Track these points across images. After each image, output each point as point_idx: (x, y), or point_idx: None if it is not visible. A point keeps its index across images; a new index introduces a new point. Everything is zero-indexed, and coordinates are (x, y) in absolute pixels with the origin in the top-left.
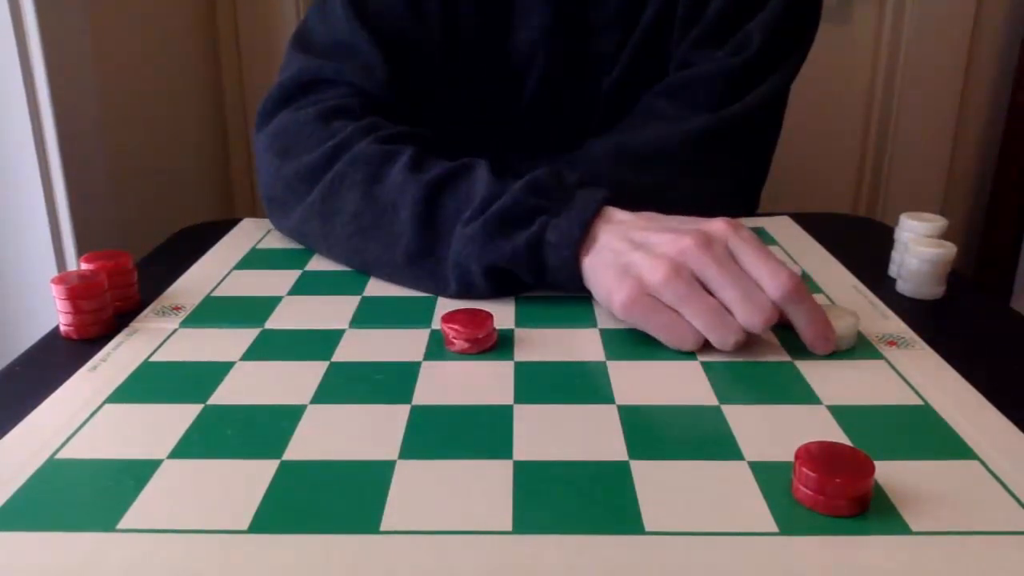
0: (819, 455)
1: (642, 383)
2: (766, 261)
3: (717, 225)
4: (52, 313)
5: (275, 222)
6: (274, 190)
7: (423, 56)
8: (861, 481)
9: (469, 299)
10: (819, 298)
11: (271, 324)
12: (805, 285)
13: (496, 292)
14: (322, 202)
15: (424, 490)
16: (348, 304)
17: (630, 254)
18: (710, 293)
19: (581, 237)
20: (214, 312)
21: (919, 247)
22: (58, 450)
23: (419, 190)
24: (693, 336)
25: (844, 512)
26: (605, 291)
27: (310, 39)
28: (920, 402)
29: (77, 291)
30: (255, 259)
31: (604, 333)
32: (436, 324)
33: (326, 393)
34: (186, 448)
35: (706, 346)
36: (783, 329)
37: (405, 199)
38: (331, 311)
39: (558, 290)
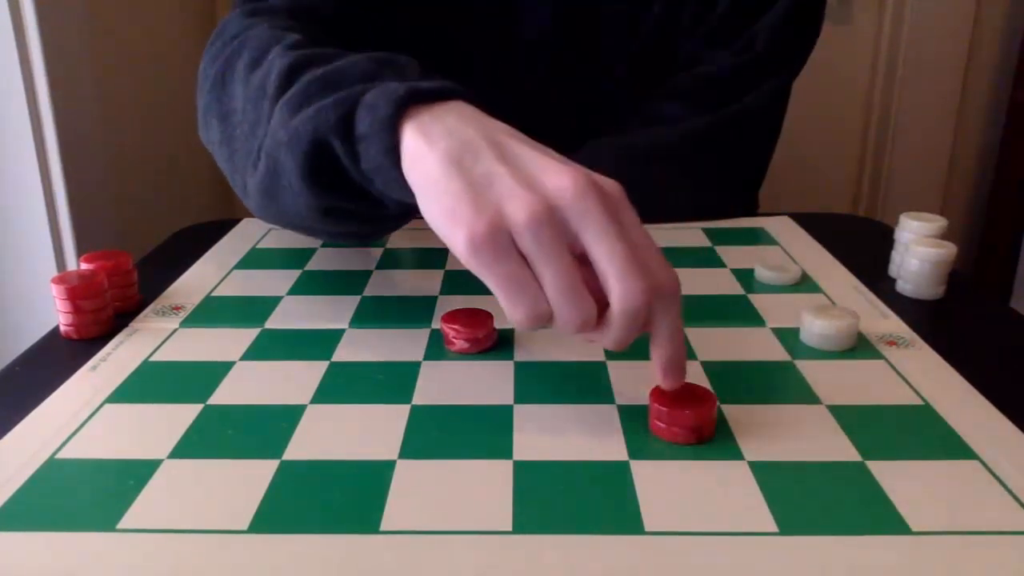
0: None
1: (642, 383)
2: (658, 249)
3: (610, 181)
4: (52, 313)
5: (206, 143)
6: (198, 104)
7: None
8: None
9: (274, 201)
10: (819, 298)
11: (271, 324)
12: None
13: (307, 187)
14: (219, 103)
15: (424, 490)
16: (348, 304)
17: (494, 163)
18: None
19: (408, 100)
20: (214, 312)
21: (919, 247)
22: (58, 450)
23: (284, 64)
24: (536, 302)
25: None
26: (449, 208)
27: None
28: (920, 402)
29: (77, 291)
30: (255, 259)
31: None
32: (436, 324)
33: (326, 393)
34: (186, 448)
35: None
36: (783, 329)
37: (270, 77)
38: (331, 311)
39: (375, 186)
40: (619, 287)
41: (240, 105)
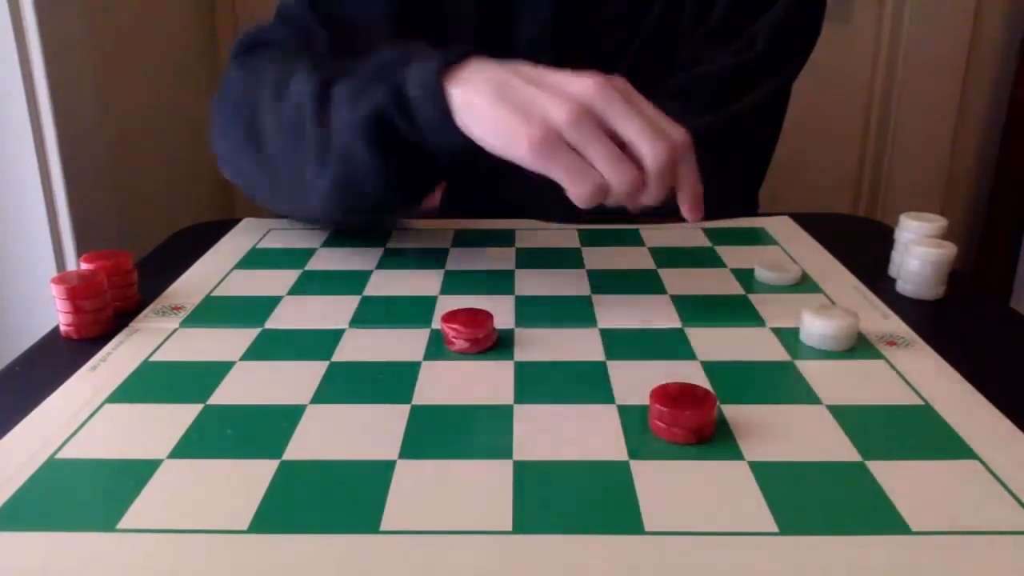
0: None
1: (642, 383)
2: (665, 116)
3: (618, 79)
4: (52, 313)
5: (227, 174)
6: (217, 147)
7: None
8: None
9: (353, 184)
10: (819, 298)
11: (271, 324)
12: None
13: (379, 167)
14: (246, 138)
15: (424, 490)
16: (348, 304)
17: (527, 89)
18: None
19: (446, 66)
20: (214, 312)
21: (919, 247)
22: (58, 450)
23: (314, 87)
24: (596, 179)
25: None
26: (506, 128)
27: (281, 7)
28: (920, 402)
29: (77, 291)
30: (255, 259)
31: (604, 333)
32: (436, 324)
33: (326, 393)
34: (186, 448)
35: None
36: (783, 329)
37: (304, 101)
38: (331, 311)
39: (437, 151)
40: (649, 150)
41: (273, 134)
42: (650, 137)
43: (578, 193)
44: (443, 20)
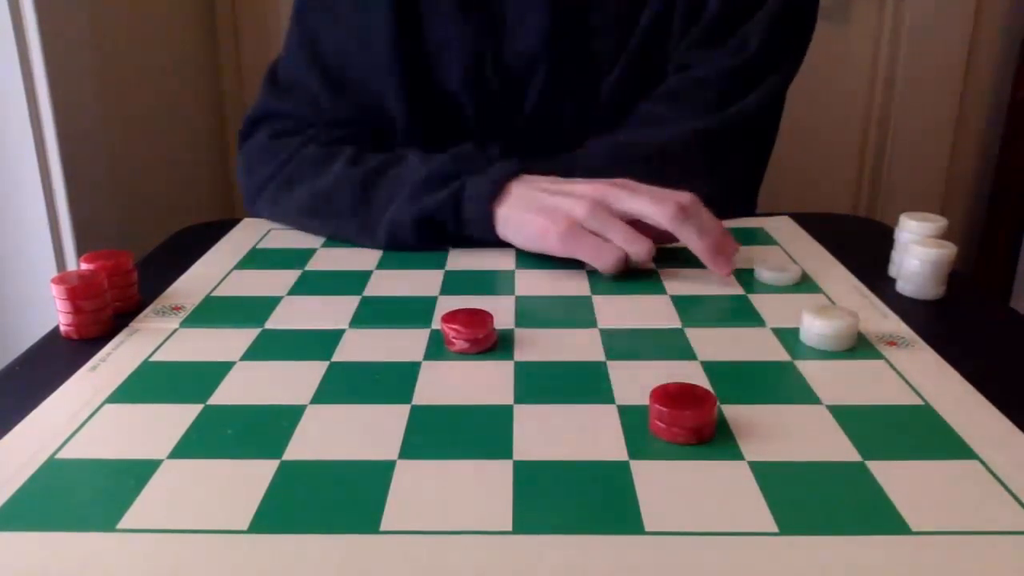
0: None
1: (642, 383)
2: (657, 189)
3: (615, 179)
4: (52, 313)
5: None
6: (250, 205)
7: (418, 70)
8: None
9: (396, 249)
10: (819, 298)
11: (271, 324)
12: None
13: (421, 242)
14: (272, 204)
15: (424, 490)
16: (348, 304)
17: (551, 198)
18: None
19: (495, 193)
20: (214, 312)
21: (919, 247)
22: (58, 450)
23: (356, 180)
24: (616, 254)
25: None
26: (539, 230)
27: (276, 73)
28: (920, 402)
29: (77, 291)
30: (255, 259)
31: (604, 333)
32: (436, 324)
33: (326, 393)
34: (186, 448)
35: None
36: (783, 329)
37: (344, 190)
38: (331, 311)
39: (476, 242)
40: (657, 210)
41: (297, 205)
42: (655, 202)
43: (602, 266)
44: (441, 31)
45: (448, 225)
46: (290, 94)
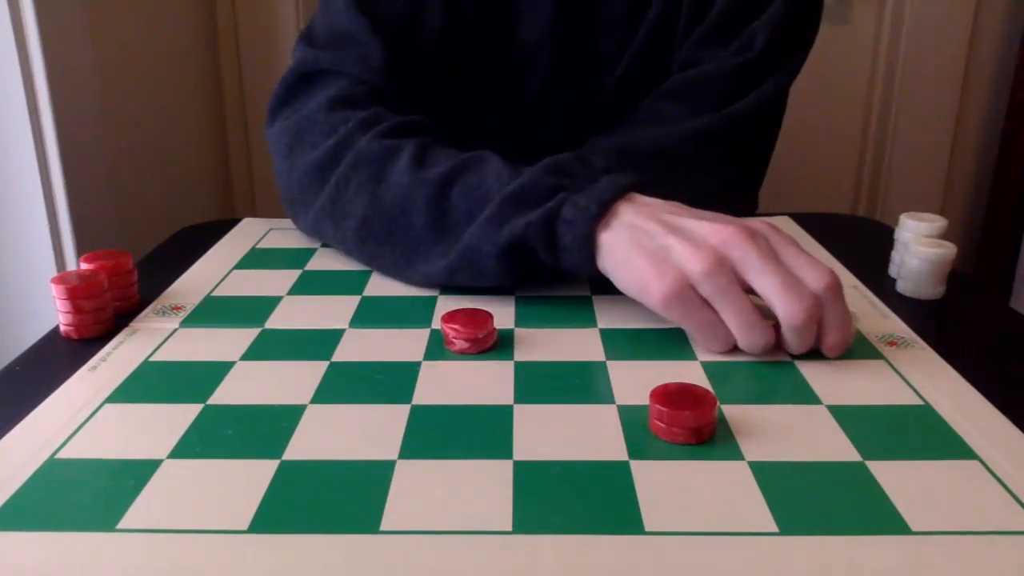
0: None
1: (642, 383)
2: (808, 258)
3: (757, 222)
4: (52, 313)
5: (295, 222)
6: (289, 191)
7: (423, 47)
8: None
9: (478, 284)
10: None
11: (271, 324)
12: (841, 285)
13: (507, 277)
14: (331, 205)
15: (424, 490)
16: (348, 304)
17: (665, 237)
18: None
19: (600, 214)
20: (214, 312)
21: (919, 247)
22: (58, 450)
23: (428, 191)
24: (726, 338)
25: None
26: (640, 279)
27: (313, 32)
28: (920, 402)
29: (77, 291)
30: (255, 259)
31: (604, 333)
32: (436, 324)
33: (326, 393)
34: (186, 448)
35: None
36: None
37: (416, 203)
38: (331, 311)
39: (574, 277)
40: (783, 310)
41: (361, 214)
42: (785, 296)
43: (707, 346)
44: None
45: (539, 253)
46: (336, 47)
